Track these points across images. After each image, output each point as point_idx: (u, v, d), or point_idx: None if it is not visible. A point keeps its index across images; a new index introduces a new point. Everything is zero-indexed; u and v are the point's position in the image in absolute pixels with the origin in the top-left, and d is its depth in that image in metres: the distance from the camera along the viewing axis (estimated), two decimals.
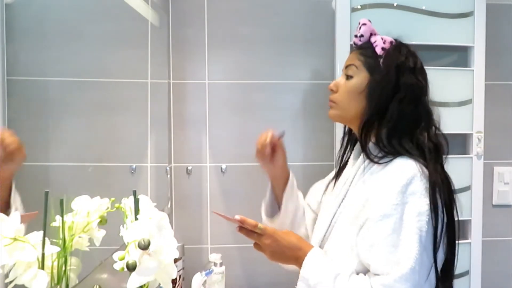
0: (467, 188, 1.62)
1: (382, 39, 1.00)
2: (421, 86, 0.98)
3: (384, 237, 0.86)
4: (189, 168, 1.72)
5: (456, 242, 0.93)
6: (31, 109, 0.79)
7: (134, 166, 1.32)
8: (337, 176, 1.11)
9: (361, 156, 1.01)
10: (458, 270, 1.62)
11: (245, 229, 0.96)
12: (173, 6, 1.69)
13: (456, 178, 1.63)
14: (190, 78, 1.71)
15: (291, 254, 0.96)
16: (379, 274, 0.86)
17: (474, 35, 1.59)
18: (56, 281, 0.67)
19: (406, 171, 0.89)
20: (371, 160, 0.96)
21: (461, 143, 1.69)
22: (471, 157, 1.62)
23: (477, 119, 1.61)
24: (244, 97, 1.70)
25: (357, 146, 1.06)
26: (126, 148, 1.27)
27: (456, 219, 0.93)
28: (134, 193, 0.72)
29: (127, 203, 0.75)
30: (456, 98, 1.61)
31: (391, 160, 0.94)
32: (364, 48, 1.02)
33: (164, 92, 1.65)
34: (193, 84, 1.71)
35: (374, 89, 0.97)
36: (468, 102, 1.61)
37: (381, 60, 0.98)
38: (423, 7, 1.57)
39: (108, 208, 0.75)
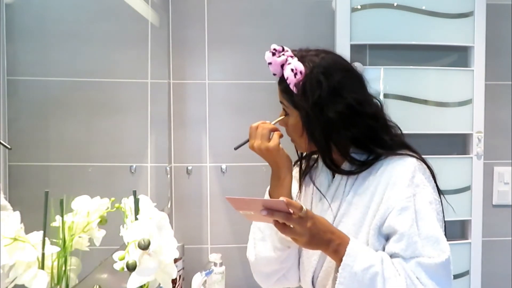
0: (467, 188, 1.61)
1: (292, 71, 0.94)
2: (354, 101, 0.94)
3: (408, 227, 0.88)
4: (189, 168, 1.72)
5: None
6: (31, 109, 0.79)
7: (134, 166, 1.31)
8: (301, 183, 1.09)
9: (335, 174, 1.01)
10: (458, 270, 1.64)
11: (280, 215, 0.85)
12: (173, 6, 1.69)
13: (456, 178, 1.67)
14: (190, 78, 1.71)
15: (327, 237, 0.89)
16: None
17: (474, 35, 1.59)
18: (56, 281, 0.67)
19: (408, 165, 0.94)
20: (356, 173, 0.97)
21: (461, 143, 1.69)
22: (471, 157, 1.62)
23: (477, 119, 1.61)
24: (244, 97, 1.70)
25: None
26: (126, 148, 1.27)
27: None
28: (134, 193, 0.72)
29: (127, 203, 0.75)
30: (456, 98, 1.61)
31: (379, 161, 0.96)
32: (282, 83, 0.98)
33: (164, 92, 1.65)
34: (193, 84, 1.71)
35: (309, 128, 0.96)
36: (468, 102, 1.61)
37: (299, 98, 0.95)
38: (423, 7, 1.57)
39: (108, 208, 0.75)
